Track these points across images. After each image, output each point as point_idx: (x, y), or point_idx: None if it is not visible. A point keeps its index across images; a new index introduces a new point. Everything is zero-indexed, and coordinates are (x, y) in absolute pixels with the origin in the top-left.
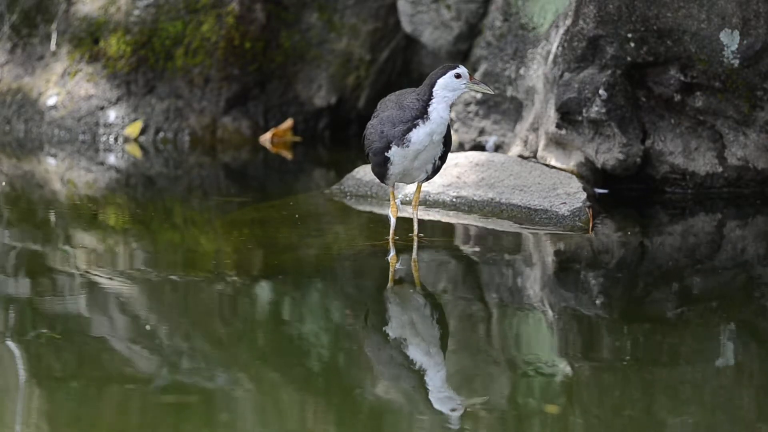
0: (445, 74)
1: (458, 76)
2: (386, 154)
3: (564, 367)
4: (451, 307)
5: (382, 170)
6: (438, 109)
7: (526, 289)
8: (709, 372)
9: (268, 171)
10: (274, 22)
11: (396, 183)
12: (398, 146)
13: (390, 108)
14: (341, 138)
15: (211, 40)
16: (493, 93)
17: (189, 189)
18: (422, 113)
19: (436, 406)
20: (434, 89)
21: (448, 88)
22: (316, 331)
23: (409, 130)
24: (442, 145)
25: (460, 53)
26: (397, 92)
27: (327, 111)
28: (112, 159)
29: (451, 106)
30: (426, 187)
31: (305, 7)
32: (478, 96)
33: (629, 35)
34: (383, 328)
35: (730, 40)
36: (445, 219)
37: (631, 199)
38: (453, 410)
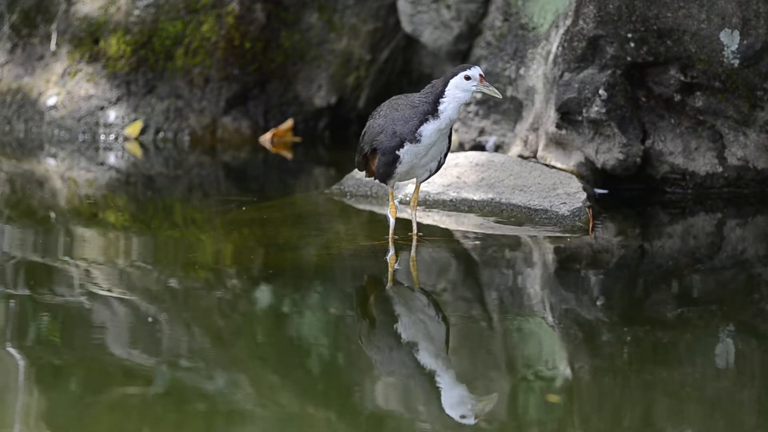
0: (456, 75)
1: (468, 78)
2: (397, 152)
3: (564, 369)
4: (451, 307)
5: (389, 170)
6: (448, 108)
7: (526, 289)
8: (709, 373)
9: (268, 171)
10: (274, 22)
11: (396, 183)
12: (411, 143)
13: (401, 108)
14: (341, 138)
15: (211, 40)
16: (500, 98)
17: (189, 189)
18: (433, 109)
19: (442, 408)
20: (447, 88)
21: (459, 89)
22: (315, 331)
23: (421, 123)
24: (448, 140)
25: (460, 53)
26: (402, 95)
27: (327, 111)
28: (112, 159)
29: (462, 106)
30: (426, 187)
31: (305, 7)
32: (479, 95)
33: (629, 35)
34: (383, 328)
35: (730, 40)
36: (444, 219)
37: (631, 199)
38: (463, 417)
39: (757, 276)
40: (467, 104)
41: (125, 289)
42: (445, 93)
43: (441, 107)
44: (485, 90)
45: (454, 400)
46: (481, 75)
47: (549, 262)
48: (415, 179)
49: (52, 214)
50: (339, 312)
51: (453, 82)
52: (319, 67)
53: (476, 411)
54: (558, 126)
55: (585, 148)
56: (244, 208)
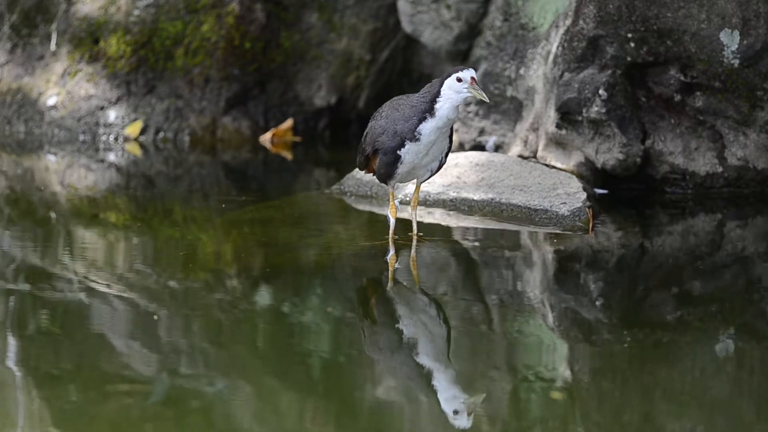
0: (450, 76)
1: (459, 80)
2: (398, 152)
3: (564, 367)
4: (451, 307)
5: (390, 170)
6: (444, 108)
7: (526, 290)
8: (709, 372)
9: (268, 171)
10: (274, 22)
11: (396, 183)
12: (411, 141)
13: (402, 108)
14: (341, 138)
15: (211, 40)
16: (488, 101)
17: (189, 189)
18: (430, 108)
19: (441, 406)
20: (442, 88)
21: (453, 90)
22: (315, 331)
23: (420, 122)
24: (449, 139)
25: (460, 53)
26: (403, 96)
27: (327, 111)
28: (112, 158)
29: (460, 106)
30: (426, 187)
31: (305, 7)
32: (469, 97)
33: (629, 35)
34: (383, 328)
35: (730, 40)
36: (444, 219)
37: (631, 199)
38: (456, 412)
39: (757, 276)
40: (467, 104)
41: (124, 288)
42: (441, 93)
43: (437, 106)
44: (474, 93)
45: (450, 397)
46: (472, 78)
47: (549, 262)
48: (415, 179)
49: (53, 213)
50: (338, 312)
51: (447, 83)
52: (319, 67)
53: (468, 407)
54: (558, 126)
55: (585, 148)
56: (224, 206)
